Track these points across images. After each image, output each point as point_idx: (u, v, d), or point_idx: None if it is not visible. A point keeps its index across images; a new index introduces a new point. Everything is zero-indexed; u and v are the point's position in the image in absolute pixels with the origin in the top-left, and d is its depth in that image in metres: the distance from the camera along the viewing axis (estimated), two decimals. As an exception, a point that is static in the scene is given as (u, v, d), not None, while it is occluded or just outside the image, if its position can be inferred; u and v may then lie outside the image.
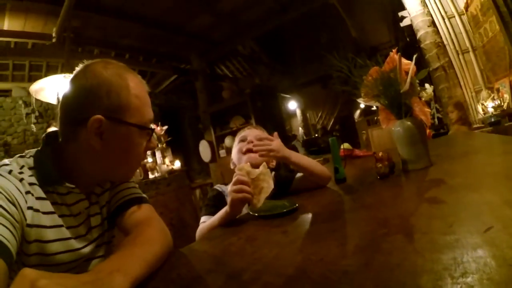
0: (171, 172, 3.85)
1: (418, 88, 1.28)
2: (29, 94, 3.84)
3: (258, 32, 6.64)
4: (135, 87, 0.90)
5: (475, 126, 3.78)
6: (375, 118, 4.27)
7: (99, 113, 0.83)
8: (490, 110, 3.62)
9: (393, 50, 1.27)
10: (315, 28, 8.59)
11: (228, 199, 1.11)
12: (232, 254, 0.79)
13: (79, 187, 0.90)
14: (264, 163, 1.19)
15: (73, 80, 0.89)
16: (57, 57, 4.94)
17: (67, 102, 0.88)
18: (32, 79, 5.15)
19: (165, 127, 4.22)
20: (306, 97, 12.12)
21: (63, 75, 3.19)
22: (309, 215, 1.03)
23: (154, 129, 0.97)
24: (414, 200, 0.94)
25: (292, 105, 11.96)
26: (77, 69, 0.91)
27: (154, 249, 0.79)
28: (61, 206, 0.88)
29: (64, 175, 0.88)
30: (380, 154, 1.31)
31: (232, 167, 1.47)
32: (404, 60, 1.24)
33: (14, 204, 0.75)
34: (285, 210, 1.07)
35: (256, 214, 1.11)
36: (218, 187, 1.44)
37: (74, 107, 0.86)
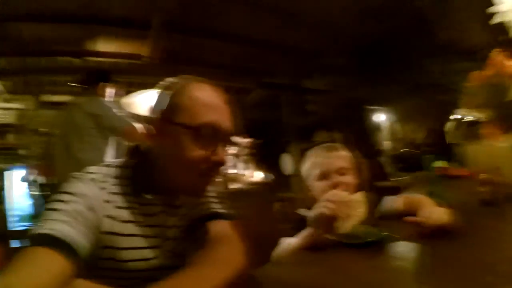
0: (253, 184, 3.85)
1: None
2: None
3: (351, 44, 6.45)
4: (192, 89, 0.88)
5: None
6: (474, 131, 3.83)
7: (158, 115, 0.87)
8: None
9: (497, 50, 1.08)
10: (406, 35, 8.10)
11: (312, 216, 1.05)
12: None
13: (159, 198, 0.91)
14: (364, 192, 1.10)
15: None
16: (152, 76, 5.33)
17: None
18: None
19: (249, 140, 4.25)
20: (396, 109, 11.50)
21: (154, 90, 3.39)
22: (402, 249, 0.92)
23: (212, 132, 0.85)
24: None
25: (381, 117, 11.41)
26: None
27: (223, 272, 0.76)
28: (139, 216, 0.88)
29: (145, 186, 0.89)
30: (484, 175, 1.12)
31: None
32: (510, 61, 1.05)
33: (92, 210, 0.77)
34: (374, 239, 0.96)
35: (344, 241, 1.01)
36: (301, 211, 1.34)
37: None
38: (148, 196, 0.88)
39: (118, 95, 3.05)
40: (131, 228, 0.86)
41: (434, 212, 0.94)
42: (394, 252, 0.89)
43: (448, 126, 6.65)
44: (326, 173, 1.30)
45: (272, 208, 4.54)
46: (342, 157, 1.35)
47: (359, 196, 1.06)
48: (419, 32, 7.46)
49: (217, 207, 1.03)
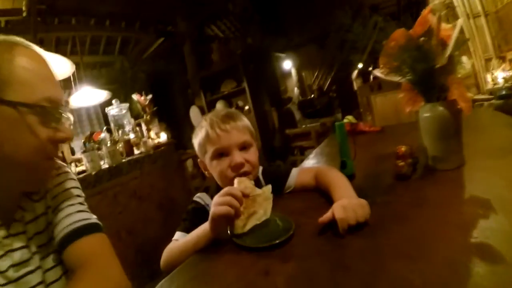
0: (157, 147, 3.53)
1: (459, 64, 0.94)
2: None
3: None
4: (24, 59, 0.70)
5: (482, 97, 3.46)
6: (378, 84, 3.89)
7: None
8: (501, 81, 3.31)
9: (427, 8, 0.93)
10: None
11: (210, 213, 0.85)
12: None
13: None
14: (269, 186, 0.91)
15: None
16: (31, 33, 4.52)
17: None
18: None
19: (149, 97, 3.88)
20: (302, 57, 11.61)
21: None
22: (305, 247, 0.76)
23: (58, 109, 0.73)
24: (453, 227, 0.67)
25: (287, 64, 11.48)
26: None
27: None
28: None
29: None
30: (403, 149, 1.01)
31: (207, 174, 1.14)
32: (443, 25, 0.91)
33: None
34: (277, 241, 0.78)
35: (239, 243, 0.83)
36: (199, 198, 1.12)
37: None
38: None
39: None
40: None
41: (349, 208, 0.77)
42: (297, 253, 0.74)
43: (354, 76, 6.83)
44: (224, 149, 1.04)
45: (181, 169, 4.30)
46: (242, 128, 1.09)
47: (267, 192, 0.89)
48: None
49: (84, 218, 0.80)
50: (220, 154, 1.04)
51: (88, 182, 2.58)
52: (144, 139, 3.53)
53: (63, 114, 0.74)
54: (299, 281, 0.63)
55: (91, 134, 3.35)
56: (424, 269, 0.55)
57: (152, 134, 3.82)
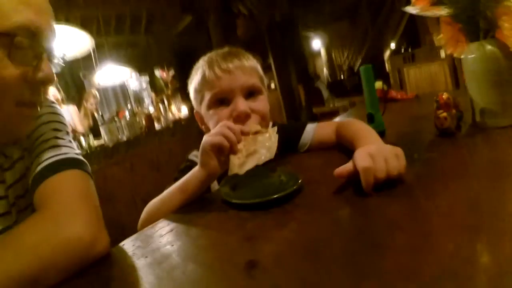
0: (177, 121, 3.47)
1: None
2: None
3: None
4: None
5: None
6: (412, 54, 3.62)
7: None
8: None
9: None
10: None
11: (201, 144, 0.70)
12: None
13: None
14: (276, 127, 0.75)
15: None
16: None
17: None
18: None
19: (171, 72, 3.82)
20: (332, 35, 11.25)
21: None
22: (313, 209, 0.58)
23: (30, 38, 0.54)
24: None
25: (316, 43, 11.17)
26: None
27: (26, 256, 0.48)
28: None
29: None
30: (444, 96, 0.83)
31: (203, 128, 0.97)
32: None
33: None
34: (276, 196, 0.61)
35: (226, 198, 0.68)
36: (195, 157, 0.93)
37: None
38: None
39: None
40: None
41: (378, 156, 0.57)
42: (303, 216, 0.56)
43: (386, 57, 6.53)
44: (225, 94, 0.86)
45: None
46: (249, 69, 0.89)
47: (272, 132, 0.73)
48: None
49: (55, 154, 0.64)
50: (220, 100, 0.86)
51: (105, 153, 2.53)
52: (165, 113, 3.49)
53: (41, 50, 0.57)
54: (294, 254, 0.44)
55: (117, 113, 3.33)
56: (495, 244, 0.36)
57: (173, 108, 3.75)
